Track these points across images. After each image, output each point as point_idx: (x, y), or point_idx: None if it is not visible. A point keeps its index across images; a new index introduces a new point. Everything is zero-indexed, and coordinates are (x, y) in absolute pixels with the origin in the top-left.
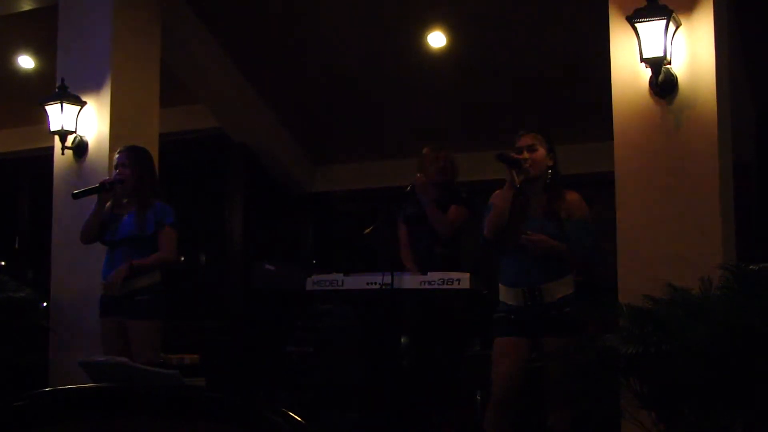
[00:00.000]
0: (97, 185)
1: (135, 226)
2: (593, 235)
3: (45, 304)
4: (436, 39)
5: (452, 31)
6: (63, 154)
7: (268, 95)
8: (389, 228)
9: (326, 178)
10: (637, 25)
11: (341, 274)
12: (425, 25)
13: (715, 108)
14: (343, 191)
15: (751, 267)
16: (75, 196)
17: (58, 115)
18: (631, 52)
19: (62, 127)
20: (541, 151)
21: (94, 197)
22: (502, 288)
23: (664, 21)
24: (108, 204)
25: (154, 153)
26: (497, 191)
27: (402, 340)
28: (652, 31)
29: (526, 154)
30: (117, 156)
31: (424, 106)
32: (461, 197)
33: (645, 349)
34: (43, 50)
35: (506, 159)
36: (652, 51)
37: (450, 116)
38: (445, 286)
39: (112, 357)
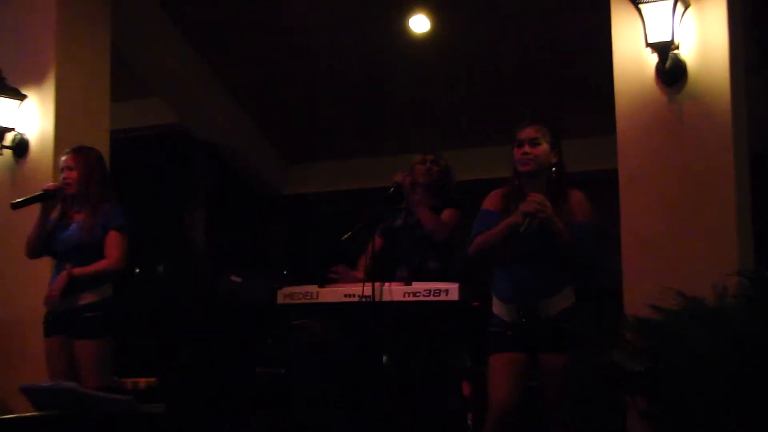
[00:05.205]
0: (40, 192)
1: (82, 233)
2: (594, 239)
3: None
4: (419, 23)
5: (437, 14)
6: (1, 154)
7: (234, 87)
8: (370, 233)
9: (300, 178)
10: (641, 6)
11: (316, 286)
12: (407, 8)
13: (729, 97)
14: (319, 193)
15: None
16: (14, 206)
17: None
18: (635, 36)
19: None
20: (545, 146)
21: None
22: (495, 301)
23: (672, 1)
24: (55, 213)
25: (105, 153)
26: (492, 193)
27: (384, 358)
28: (659, 12)
29: (527, 149)
30: (63, 159)
31: (406, 98)
32: (453, 200)
33: (653, 365)
34: None
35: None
36: (659, 35)
37: (435, 109)
38: (431, 298)
39: (58, 382)
